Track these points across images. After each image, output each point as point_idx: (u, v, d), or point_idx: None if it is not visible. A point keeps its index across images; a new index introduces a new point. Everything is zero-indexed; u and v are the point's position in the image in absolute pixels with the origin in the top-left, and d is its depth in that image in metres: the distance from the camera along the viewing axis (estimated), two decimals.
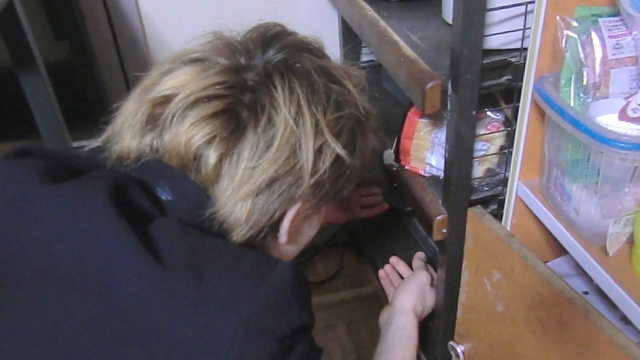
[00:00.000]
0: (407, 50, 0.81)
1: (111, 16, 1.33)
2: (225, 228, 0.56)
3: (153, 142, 0.57)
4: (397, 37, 0.85)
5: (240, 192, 0.55)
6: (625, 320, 0.66)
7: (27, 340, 0.48)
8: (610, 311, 0.75)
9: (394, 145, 0.94)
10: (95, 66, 1.40)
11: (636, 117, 0.64)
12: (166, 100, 0.57)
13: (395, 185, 1.20)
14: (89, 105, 1.41)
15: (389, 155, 0.96)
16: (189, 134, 0.55)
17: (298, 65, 0.59)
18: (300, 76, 0.58)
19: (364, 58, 1.27)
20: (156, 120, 0.57)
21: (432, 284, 1.04)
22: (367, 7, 0.96)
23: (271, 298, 0.49)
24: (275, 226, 0.60)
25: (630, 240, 0.67)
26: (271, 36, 0.61)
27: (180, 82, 0.57)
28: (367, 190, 1.21)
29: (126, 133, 0.59)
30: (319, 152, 0.58)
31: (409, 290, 1.01)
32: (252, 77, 0.57)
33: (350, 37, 1.23)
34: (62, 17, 1.36)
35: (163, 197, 0.56)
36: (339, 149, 0.59)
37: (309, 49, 0.62)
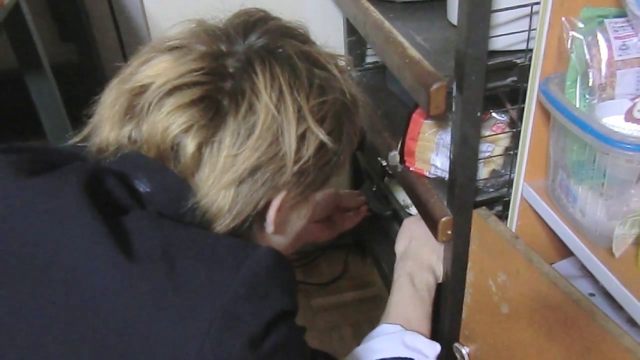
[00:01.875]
0: (412, 51, 0.81)
1: (117, 18, 1.33)
2: (208, 218, 0.55)
3: (131, 133, 0.56)
4: (402, 39, 0.85)
5: (222, 181, 0.54)
6: (631, 322, 0.66)
7: None
8: (616, 313, 0.75)
9: (398, 147, 0.94)
10: (101, 68, 1.40)
11: None
12: (143, 89, 0.56)
13: (374, 189, 1.19)
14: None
15: (393, 156, 0.96)
16: (165, 122, 0.54)
17: (280, 50, 0.58)
18: (282, 61, 0.57)
19: (369, 59, 1.28)
20: (134, 110, 0.56)
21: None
22: (372, 8, 0.96)
23: (248, 283, 0.48)
24: (261, 215, 0.59)
25: (637, 242, 0.66)
26: (253, 22, 0.60)
27: (157, 70, 0.56)
28: (350, 201, 1.14)
29: (105, 125, 0.58)
30: (301, 138, 0.56)
31: (399, 237, 1.02)
32: (233, 63, 0.56)
33: (355, 39, 1.24)
34: (68, 19, 1.37)
35: (141, 189, 0.54)
36: (322, 135, 0.57)
37: (293, 34, 0.61)
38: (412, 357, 0.80)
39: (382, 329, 0.86)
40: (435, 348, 0.84)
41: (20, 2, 1.03)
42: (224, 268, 0.48)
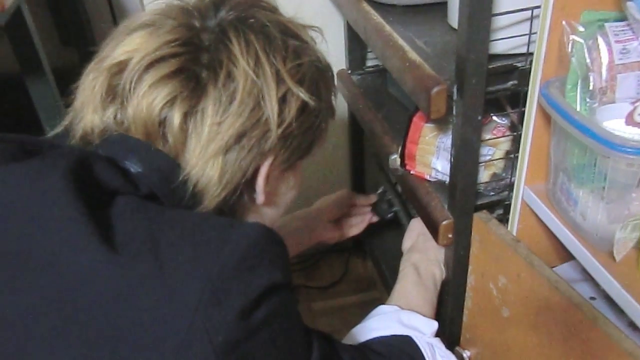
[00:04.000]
0: (413, 55, 0.81)
1: (117, 22, 1.33)
2: (200, 189, 0.55)
3: (116, 114, 0.56)
4: (402, 42, 0.85)
5: (209, 150, 0.54)
6: (632, 326, 0.66)
7: None
8: (617, 317, 0.75)
9: (399, 150, 0.94)
10: None
11: None
12: (121, 67, 0.56)
13: (385, 191, 1.20)
14: None
15: (394, 160, 0.96)
16: (149, 97, 0.54)
17: (252, 20, 0.59)
18: (256, 30, 0.58)
19: (369, 63, 1.28)
20: (115, 90, 0.56)
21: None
22: (373, 12, 0.96)
23: (235, 257, 0.47)
24: (250, 186, 0.59)
25: (638, 246, 0.66)
26: None
27: (133, 46, 0.56)
28: (364, 202, 1.20)
29: (87, 109, 0.58)
30: (282, 100, 0.57)
31: (406, 236, 1.03)
32: (207, 36, 0.57)
33: (355, 42, 1.24)
34: (70, 23, 1.37)
35: (132, 170, 0.54)
36: (303, 95, 0.58)
37: (261, 6, 0.62)
38: (409, 334, 0.79)
39: (379, 309, 0.86)
40: (432, 325, 0.84)
41: (21, 6, 1.03)
42: (210, 244, 0.48)
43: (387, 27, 0.90)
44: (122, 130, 0.56)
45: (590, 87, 0.66)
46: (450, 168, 0.82)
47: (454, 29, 0.83)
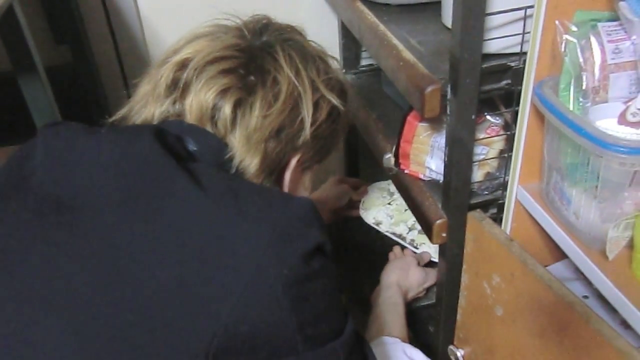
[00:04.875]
0: (407, 54, 0.81)
1: (111, 20, 1.33)
2: (241, 170, 0.64)
3: (176, 102, 0.66)
4: (396, 41, 0.85)
5: (254, 137, 0.64)
6: (625, 324, 0.66)
7: (94, 260, 0.54)
8: (610, 315, 0.75)
9: (393, 149, 0.94)
10: (95, 70, 1.40)
11: (635, 122, 0.64)
12: (185, 63, 0.66)
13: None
14: (89, 109, 1.41)
15: (388, 159, 0.96)
16: (207, 86, 0.64)
17: (291, 41, 0.71)
18: (295, 48, 0.70)
19: (364, 62, 1.28)
20: (177, 82, 0.66)
21: (419, 264, 1.13)
22: (367, 11, 0.96)
23: (297, 214, 0.57)
24: (280, 177, 0.70)
25: (630, 245, 0.67)
26: (264, 23, 0.72)
27: (197, 48, 0.67)
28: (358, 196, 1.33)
29: (150, 100, 0.67)
30: (316, 105, 0.69)
31: (393, 267, 1.11)
32: (257, 50, 0.68)
33: (350, 41, 1.24)
34: (63, 22, 1.36)
35: (189, 148, 0.63)
36: (334, 100, 0.71)
37: (298, 32, 0.75)
38: None
39: (382, 340, 0.92)
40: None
41: (14, 4, 1.03)
42: (277, 202, 0.58)
43: (382, 27, 0.91)
44: (178, 117, 0.66)
45: (583, 87, 0.66)
46: (444, 167, 0.82)
47: (448, 29, 0.83)
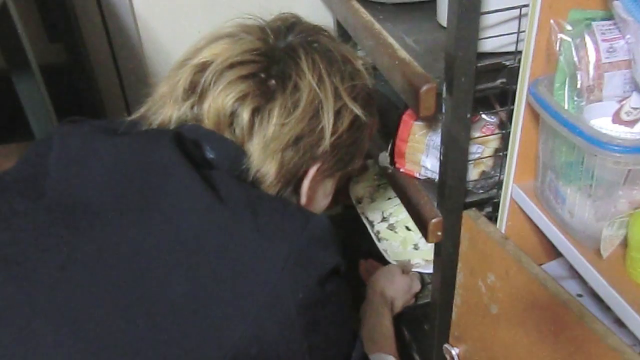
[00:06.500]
0: (402, 53, 0.81)
1: (106, 18, 1.32)
2: (257, 178, 0.62)
3: (194, 106, 0.64)
4: (392, 40, 0.85)
5: (271, 146, 0.62)
6: (618, 322, 0.66)
7: (105, 270, 0.53)
8: (603, 314, 0.75)
9: (389, 148, 0.94)
10: (90, 69, 1.39)
11: (629, 121, 0.65)
12: (205, 66, 0.64)
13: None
14: (84, 108, 1.40)
15: (384, 157, 0.96)
16: (226, 92, 0.62)
17: (316, 44, 0.68)
18: (320, 52, 0.67)
19: None
20: (196, 85, 0.64)
21: (404, 272, 1.12)
22: (362, 9, 0.96)
23: (316, 234, 0.56)
24: (298, 185, 0.67)
25: (624, 243, 0.67)
26: (291, 23, 0.70)
27: (218, 50, 0.64)
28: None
29: (168, 101, 0.65)
30: (338, 114, 0.66)
31: (377, 277, 1.10)
32: (280, 52, 0.65)
33: (345, 40, 1.23)
34: (57, 20, 1.35)
35: (207, 155, 0.62)
36: (356, 110, 0.67)
37: (324, 34, 0.71)
38: None
39: (380, 357, 0.93)
40: None
41: (7, 2, 1.02)
42: (296, 219, 0.57)
43: (377, 25, 0.91)
44: (196, 122, 0.64)
45: (578, 86, 0.66)
46: (440, 166, 0.82)
47: (443, 27, 0.83)
